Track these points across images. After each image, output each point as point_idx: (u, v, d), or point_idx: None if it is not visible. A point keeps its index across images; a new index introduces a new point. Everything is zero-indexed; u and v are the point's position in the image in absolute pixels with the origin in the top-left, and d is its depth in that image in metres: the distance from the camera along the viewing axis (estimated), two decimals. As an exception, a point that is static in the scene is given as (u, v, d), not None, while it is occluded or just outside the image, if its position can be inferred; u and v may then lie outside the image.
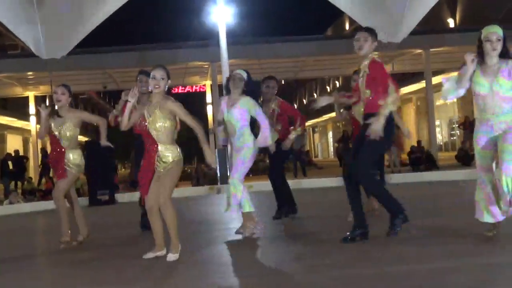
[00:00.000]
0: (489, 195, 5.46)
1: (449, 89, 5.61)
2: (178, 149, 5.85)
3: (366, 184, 6.19)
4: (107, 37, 32.39)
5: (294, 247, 6.27)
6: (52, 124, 7.25)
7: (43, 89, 27.24)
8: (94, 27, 18.24)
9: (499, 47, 5.33)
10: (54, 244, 7.27)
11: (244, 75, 7.07)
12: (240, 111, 6.94)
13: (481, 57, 5.41)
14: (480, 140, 5.48)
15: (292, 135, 7.91)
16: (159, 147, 5.80)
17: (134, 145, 8.08)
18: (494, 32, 5.35)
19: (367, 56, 6.12)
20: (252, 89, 7.09)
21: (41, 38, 17.15)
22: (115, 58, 22.21)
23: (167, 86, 5.92)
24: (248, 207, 6.92)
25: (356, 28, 34.17)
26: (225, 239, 6.97)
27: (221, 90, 15.65)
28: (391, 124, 6.03)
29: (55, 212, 7.36)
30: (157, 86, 5.84)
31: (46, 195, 18.90)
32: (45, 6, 16.27)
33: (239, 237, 6.94)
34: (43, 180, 21.49)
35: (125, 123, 6.03)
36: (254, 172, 25.82)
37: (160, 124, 5.78)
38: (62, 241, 7.16)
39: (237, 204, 6.94)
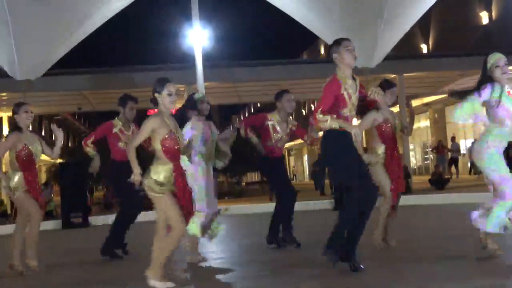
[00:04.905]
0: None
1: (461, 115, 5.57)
2: None
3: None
4: (83, 58, 32.31)
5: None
6: (27, 142, 7.04)
7: (16, 111, 26.82)
8: (69, 49, 18.18)
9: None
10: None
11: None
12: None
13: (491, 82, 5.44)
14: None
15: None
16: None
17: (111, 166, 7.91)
18: (501, 57, 5.48)
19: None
20: (210, 111, 7.11)
21: (16, 59, 17.04)
22: (91, 80, 22.09)
23: None
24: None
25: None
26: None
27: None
28: None
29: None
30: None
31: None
32: (20, 27, 16.18)
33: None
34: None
35: None
36: (229, 194, 25.83)
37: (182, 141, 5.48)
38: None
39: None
